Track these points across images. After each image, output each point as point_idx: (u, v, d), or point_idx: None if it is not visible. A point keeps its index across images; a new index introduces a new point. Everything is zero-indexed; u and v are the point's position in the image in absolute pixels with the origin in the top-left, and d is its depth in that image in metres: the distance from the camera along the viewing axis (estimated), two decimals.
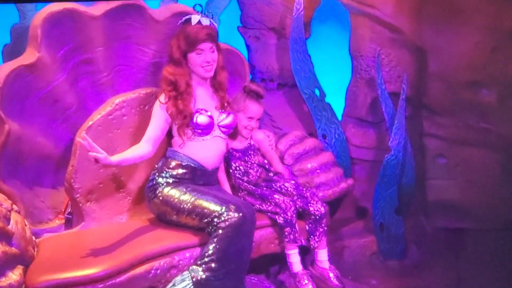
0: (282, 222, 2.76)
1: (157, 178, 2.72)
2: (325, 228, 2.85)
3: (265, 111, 3.30)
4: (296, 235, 2.76)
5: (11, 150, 2.67)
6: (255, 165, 2.99)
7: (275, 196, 2.82)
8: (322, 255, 2.85)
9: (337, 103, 3.62)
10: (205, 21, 2.75)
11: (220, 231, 2.49)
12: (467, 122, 3.30)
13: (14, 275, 2.28)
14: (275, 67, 3.64)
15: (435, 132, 3.45)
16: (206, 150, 2.77)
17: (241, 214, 2.52)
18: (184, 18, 2.79)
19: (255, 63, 3.67)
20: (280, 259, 2.88)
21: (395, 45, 3.44)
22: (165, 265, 2.52)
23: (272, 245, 2.82)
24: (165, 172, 2.71)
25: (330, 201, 3.07)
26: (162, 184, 2.69)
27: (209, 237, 2.52)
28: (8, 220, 2.41)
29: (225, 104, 2.85)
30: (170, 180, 2.70)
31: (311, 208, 2.81)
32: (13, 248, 2.33)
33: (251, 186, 2.92)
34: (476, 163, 3.31)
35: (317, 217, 2.81)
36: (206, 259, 2.45)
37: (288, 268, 2.86)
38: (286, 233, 2.75)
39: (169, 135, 2.85)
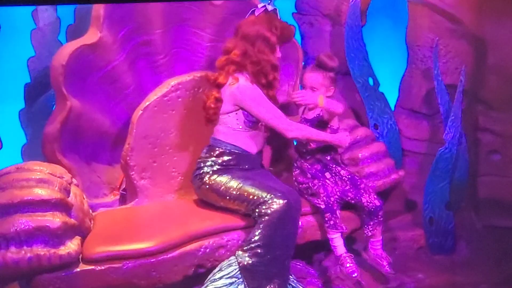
0: (324, 207, 2.75)
1: (202, 166, 2.75)
2: (381, 219, 2.85)
3: None
4: (337, 221, 2.75)
5: (71, 126, 2.78)
6: None
7: (326, 180, 2.81)
8: (376, 243, 2.88)
9: (391, 93, 3.56)
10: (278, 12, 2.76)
11: (266, 218, 2.52)
12: None
13: (73, 245, 2.39)
14: None
15: (490, 127, 3.37)
16: (252, 139, 2.78)
17: (286, 201, 2.54)
18: (261, 6, 2.76)
19: (308, 50, 3.63)
20: (326, 246, 2.88)
21: (454, 35, 3.36)
22: (214, 244, 2.58)
23: (319, 232, 2.83)
24: (210, 160, 2.74)
25: (380, 192, 3.04)
26: (209, 172, 2.72)
27: (255, 223, 2.56)
28: (68, 192, 2.51)
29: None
30: (216, 168, 2.72)
31: (363, 200, 2.80)
32: (72, 219, 2.44)
33: (307, 164, 2.89)
34: None
35: (372, 209, 2.81)
36: (252, 245, 2.50)
37: (333, 255, 2.86)
38: (326, 219, 2.75)
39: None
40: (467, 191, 3.41)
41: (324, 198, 2.76)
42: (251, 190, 2.60)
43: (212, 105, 2.75)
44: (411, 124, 3.53)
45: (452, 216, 3.31)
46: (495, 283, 3.14)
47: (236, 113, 2.74)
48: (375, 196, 2.83)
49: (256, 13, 2.75)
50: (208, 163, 2.74)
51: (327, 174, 2.85)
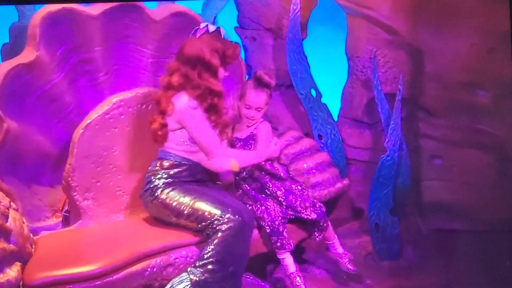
0: (269, 231, 2.78)
1: (153, 180, 2.69)
2: (325, 225, 2.90)
3: None
4: (284, 241, 2.78)
5: (9, 148, 2.69)
6: None
7: (268, 203, 2.84)
8: (333, 244, 2.97)
9: (333, 104, 3.63)
10: (223, 31, 2.73)
11: (219, 234, 2.51)
12: (463, 123, 3.30)
13: (12, 272, 2.30)
14: (272, 68, 3.63)
15: (431, 133, 3.45)
16: (199, 152, 2.75)
17: (240, 218, 2.55)
18: (203, 27, 2.72)
19: (252, 64, 3.67)
20: (275, 258, 2.89)
21: (392, 46, 3.45)
22: (161, 263, 2.54)
23: (267, 245, 2.84)
24: (161, 172, 2.70)
25: (325, 201, 3.09)
26: (161, 186, 2.67)
27: (207, 239, 2.55)
28: (6, 217, 2.42)
29: None
30: (168, 180, 2.68)
31: (302, 215, 2.85)
32: (11, 245, 2.35)
33: (246, 185, 2.92)
34: (471, 165, 3.31)
35: (312, 221, 2.87)
36: (204, 261, 2.48)
37: (282, 266, 2.89)
38: (273, 241, 2.79)
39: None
40: (411, 197, 3.49)
41: (269, 223, 2.79)
42: (205, 206, 2.58)
43: (159, 132, 2.71)
44: (354, 133, 3.59)
45: (398, 222, 3.39)
46: (442, 285, 3.23)
47: (181, 131, 2.71)
48: (311, 209, 2.87)
49: (198, 34, 2.72)
50: (159, 176, 2.69)
51: (268, 200, 2.86)
